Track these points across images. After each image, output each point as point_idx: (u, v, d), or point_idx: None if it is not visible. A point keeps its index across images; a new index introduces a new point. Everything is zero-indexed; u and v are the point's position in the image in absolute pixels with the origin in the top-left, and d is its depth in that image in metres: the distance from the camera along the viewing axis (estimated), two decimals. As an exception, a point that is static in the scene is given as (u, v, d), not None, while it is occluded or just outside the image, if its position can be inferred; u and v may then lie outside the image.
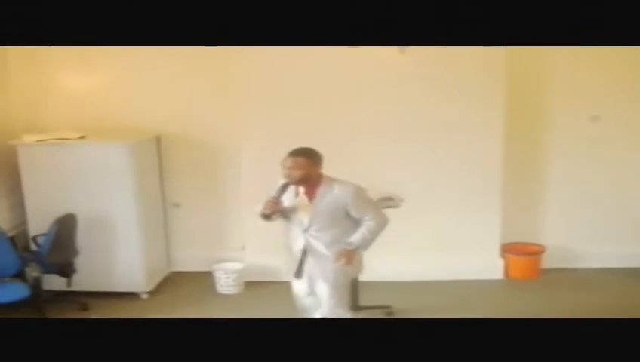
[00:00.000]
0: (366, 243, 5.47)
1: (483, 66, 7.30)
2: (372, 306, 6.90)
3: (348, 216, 5.45)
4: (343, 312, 5.58)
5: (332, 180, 5.50)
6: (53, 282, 6.98)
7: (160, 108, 7.77)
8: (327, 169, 7.28)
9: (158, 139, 7.83)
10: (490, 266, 7.89)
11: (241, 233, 7.88)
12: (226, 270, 7.62)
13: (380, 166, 7.49)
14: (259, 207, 5.46)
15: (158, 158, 7.86)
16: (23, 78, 7.74)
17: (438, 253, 7.78)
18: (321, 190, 5.45)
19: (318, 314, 5.59)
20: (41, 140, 7.12)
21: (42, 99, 7.83)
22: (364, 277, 6.65)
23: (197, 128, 7.84)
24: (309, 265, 5.52)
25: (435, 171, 7.63)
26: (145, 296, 7.40)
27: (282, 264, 5.91)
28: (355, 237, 5.42)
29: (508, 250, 7.95)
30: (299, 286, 5.70)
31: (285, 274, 5.85)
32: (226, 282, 7.56)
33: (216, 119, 7.77)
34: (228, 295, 7.55)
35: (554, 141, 7.94)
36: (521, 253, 7.98)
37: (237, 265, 7.70)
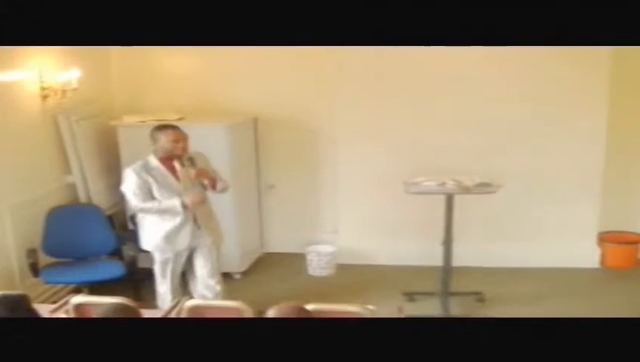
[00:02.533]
0: None
1: (586, 56, 7.10)
2: (463, 292, 6.86)
3: None
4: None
5: None
6: (150, 261, 7.11)
7: (258, 90, 7.81)
8: (428, 155, 7.26)
9: (255, 121, 7.89)
10: (586, 254, 7.72)
11: (334, 216, 7.92)
12: (319, 252, 7.66)
13: (478, 152, 7.39)
14: (188, 200, 5.69)
15: (255, 140, 7.93)
16: (124, 61, 7.88)
17: (534, 240, 7.65)
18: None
19: None
20: (140, 121, 7.24)
21: (142, 81, 8.00)
22: (457, 262, 6.66)
23: (294, 110, 7.87)
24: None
25: (535, 158, 7.49)
26: (237, 276, 7.49)
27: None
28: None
29: (605, 238, 7.78)
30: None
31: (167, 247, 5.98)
32: (318, 264, 7.60)
33: (313, 102, 7.78)
34: (319, 277, 7.60)
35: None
36: (618, 241, 7.80)
37: (329, 248, 7.72)
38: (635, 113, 7.65)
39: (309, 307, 4.04)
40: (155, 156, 5.79)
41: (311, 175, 8.05)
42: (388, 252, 7.74)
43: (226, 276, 7.30)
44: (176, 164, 5.74)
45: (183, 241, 5.90)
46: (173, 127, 5.81)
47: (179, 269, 6.09)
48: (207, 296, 6.12)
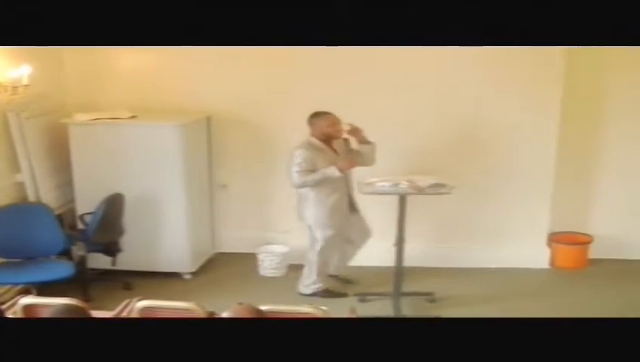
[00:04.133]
0: None
1: (540, 57, 7.17)
2: (415, 292, 6.91)
3: None
4: None
5: None
6: (99, 261, 7.06)
7: (212, 89, 7.72)
8: (382, 156, 7.25)
9: (208, 120, 7.80)
10: (536, 255, 7.82)
11: (286, 216, 7.86)
12: (271, 253, 7.63)
13: (432, 154, 7.44)
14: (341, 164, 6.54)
15: (208, 139, 7.85)
16: (77, 58, 7.72)
17: (485, 240, 7.70)
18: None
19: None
20: (92, 119, 7.15)
21: (96, 78, 7.86)
22: (409, 262, 6.70)
23: (248, 109, 7.80)
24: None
25: (487, 159, 7.56)
26: (188, 277, 7.43)
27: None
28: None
29: (555, 239, 7.87)
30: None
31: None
32: (269, 265, 7.56)
33: (268, 100, 7.70)
34: (271, 278, 7.55)
35: (608, 131, 7.84)
36: (568, 242, 7.90)
37: (282, 248, 7.68)
38: (585, 115, 7.74)
39: (263, 308, 4.02)
40: (315, 138, 6.66)
41: (264, 174, 7.97)
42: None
43: (176, 276, 7.27)
44: (335, 145, 6.67)
45: (341, 218, 6.79)
46: (329, 113, 6.61)
47: (334, 251, 7.01)
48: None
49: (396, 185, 6.28)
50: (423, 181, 6.34)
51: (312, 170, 6.53)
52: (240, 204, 8.10)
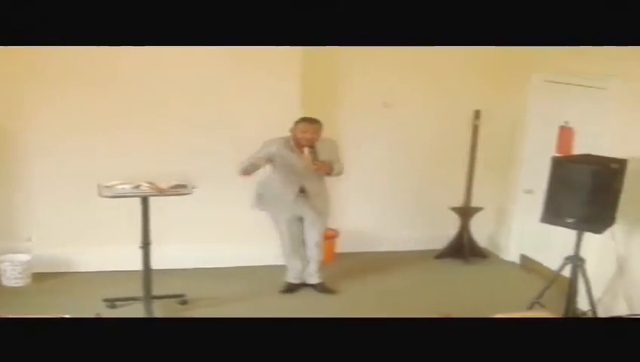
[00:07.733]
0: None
1: (279, 60, 7.34)
2: (165, 295, 6.84)
3: None
4: None
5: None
6: None
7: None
8: (128, 159, 7.11)
9: None
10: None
11: (28, 223, 7.55)
12: (12, 261, 7.29)
13: (176, 155, 7.41)
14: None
15: None
16: None
17: (231, 240, 7.74)
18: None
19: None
20: None
21: None
22: (157, 264, 6.62)
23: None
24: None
25: (231, 160, 7.50)
26: None
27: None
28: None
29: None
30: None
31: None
32: (12, 274, 7.24)
33: (11, 104, 7.26)
34: (15, 287, 7.23)
35: (348, 129, 8.14)
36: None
37: (24, 256, 7.37)
38: (326, 114, 7.92)
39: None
40: (292, 140, 6.95)
41: (3, 181, 7.55)
42: (86, 258, 7.54)
43: None
44: (305, 150, 6.83)
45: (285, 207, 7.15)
46: (307, 121, 6.92)
47: (291, 235, 7.30)
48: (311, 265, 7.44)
49: (137, 187, 6.22)
50: (165, 182, 6.36)
51: (266, 159, 6.93)
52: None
